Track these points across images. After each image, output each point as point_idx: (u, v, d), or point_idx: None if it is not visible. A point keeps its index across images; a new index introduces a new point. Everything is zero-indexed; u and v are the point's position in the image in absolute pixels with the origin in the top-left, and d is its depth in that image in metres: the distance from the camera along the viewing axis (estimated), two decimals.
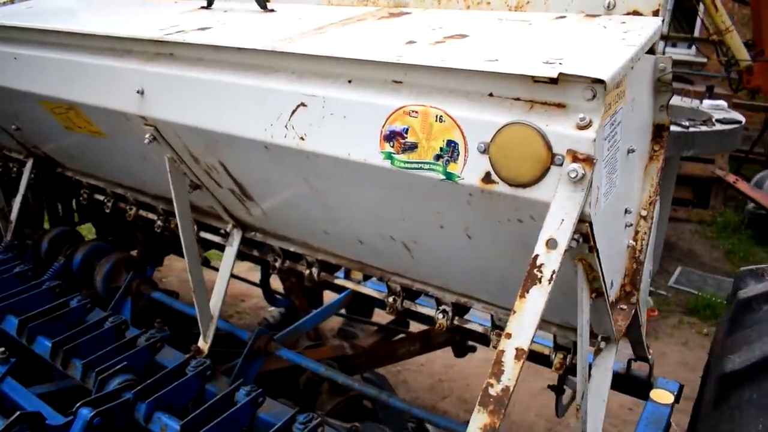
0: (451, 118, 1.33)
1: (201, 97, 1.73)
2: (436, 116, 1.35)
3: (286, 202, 1.91)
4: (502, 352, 1.22)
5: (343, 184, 1.63)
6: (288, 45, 1.55)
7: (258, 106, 1.61)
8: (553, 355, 1.82)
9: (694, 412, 2.09)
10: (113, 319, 2.31)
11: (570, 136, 1.21)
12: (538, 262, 1.23)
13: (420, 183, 1.42)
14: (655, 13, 1.56)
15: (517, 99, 1.29)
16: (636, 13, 1.58)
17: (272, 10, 1.97)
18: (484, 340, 2.83)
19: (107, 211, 2.80)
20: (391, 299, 2.03)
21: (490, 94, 1.32)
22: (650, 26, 1.47)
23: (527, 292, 1.23)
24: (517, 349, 1.22)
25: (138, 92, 1.86)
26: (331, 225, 1.88)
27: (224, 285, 2.26)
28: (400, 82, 1.42)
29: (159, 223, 2.61)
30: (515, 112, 1.27)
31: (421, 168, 1.39)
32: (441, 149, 1.36)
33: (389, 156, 1.42)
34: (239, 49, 1.60)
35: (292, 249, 2.18)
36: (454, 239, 1.58)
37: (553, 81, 1.22)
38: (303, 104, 1.53)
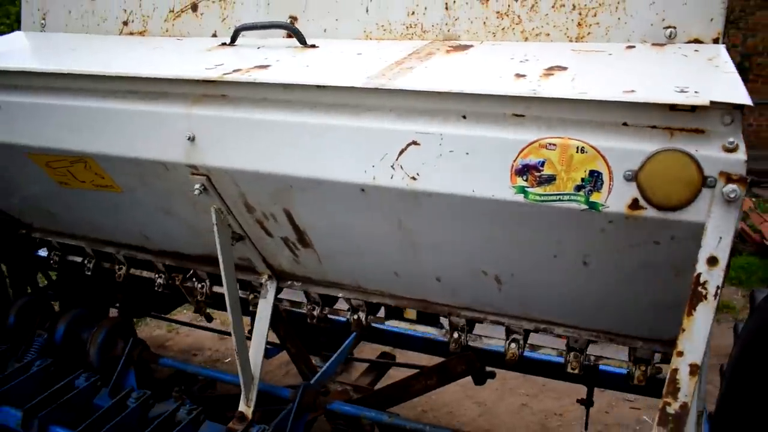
0: (594, 148, 1.35)
1: (275, 141, 1.62)
2: (577, 148, 1.36)
3: (355, 246, 1.83)
4: (676, 370, 1.25)
5: (447, 222, 1.59)
6: (389, 82, 1.50)
7: (355, 147, 1.54)
8: (634, 369, 1.88)
9: None
10: (136, 395, 2.06)
11: (720, 159, 1.28)
12: (701, 280, 1.27)
13: (551, 214, 1.43)
14: (715, 41, 1.69)
15: (654, 127, 1.34)
16: (697, 41, 1.70)
17: (314, 46, 1.90)
18: (504, 364, 2.88)
19: (87, 272, 2.52)
20: (455, 335, 2.00)
21: (624, 123, 1.36)
22: (722, 53, 1.59)
23: (694, 309, 1.27)
24: (690, 365, 1.25)
25: (188, 139, 1.70)
26: (407, 266, 1.83)
27: (263, 343, 2.11)
28: (522, 116, 1.42)
29: (160, 281, 2.38)
30: (658, 139, 1.32)
31: (559, 200, 1.40)
32: (583, 180, 1.37)
33: (522, 190, 1.42)
34: (336, 87, 1.52)
35: (340, 295, 2.08)
36: (565, 267, 1.59)
37: (692, 109, 1.29)
38: (415, 143, 1.48)
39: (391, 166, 1.51)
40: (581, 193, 1.38)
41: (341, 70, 1.66)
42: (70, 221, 2.37)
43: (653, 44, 1.72)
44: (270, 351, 3.20)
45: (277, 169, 1.64)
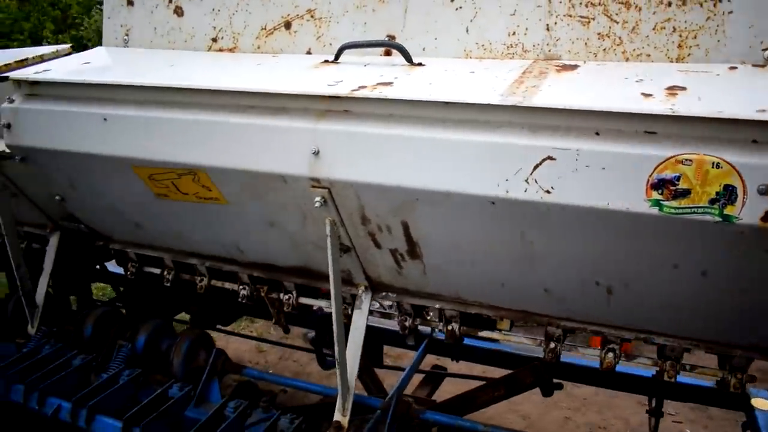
0: (729, 164, 1.44)
1: (403, 155, 1.70)
2: (713, 163, 1.45)
3: (467, 258, 1.90)
4: None
5: (571, 234, 1.67)
6: (525, 99, 1.58)
7: (488, 161, 1.62)
8: (729, 377, 1.96)
9: None
10: (234, 405, 2.10)
11: None
12: None
13: (680, 226, 1.51)
14: None
15: None
16: None
17: (421, 64, 1.98)
18: (576, 376, 2.95)
19: (167, 284, 2.56)
20: (552, 345, 2.07)
21: (754, 141, 1.45)
22: None
23: None
24: None
25: (313, 153, 1.77)
26: (516, 276, 1.90)
27: (358, 354, 2.16)
28: (655, 133, 1.51)
29: (244, 293, 2.43)
30: None
31: (693, 212, 1.49)
32: (717, 193, 1.46)
33: (657, 203, 1.50)
34: (472, 105, 1.61)
35: (437, 305, 2.15)
36: (683, 278, 1.68)
37: None
38: (551, 158, 1.56)
39: (526, 180, 1.59)
40: (715, 206, 1.46)
41: (466, 88, 1.74)
42: (157, 233, 2.41)
43: (753, 65, 1.83)
44: (328, 362, 3.26)
45: (404, 182, 1.71)
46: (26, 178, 2.54)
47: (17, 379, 2.28)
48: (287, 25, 2.29)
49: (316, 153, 1.77)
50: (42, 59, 2.54)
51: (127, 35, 2.55)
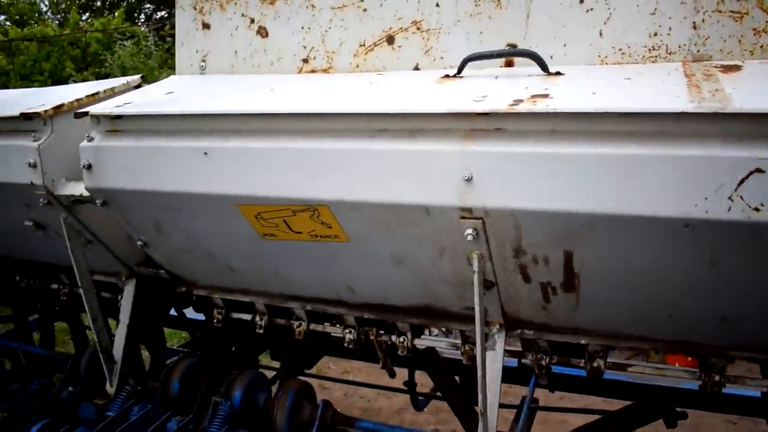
0: None
1: (574, 176, 1.49)
2: None
3: (634, 289, 1.69)
4: None
5: None
6: (724, 105, 1.38)
7: (682, 178, 1.42)
8: None
9: None
10: None
11: None
12: None
13: None
14: None
15: None
16: None
17: (559, 73, 1.78)
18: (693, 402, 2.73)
19: (259, 330, 2.34)
20: (716, 377, 1.87)
21: None
22: None
23: None
24: None
25: (465, 179, 1.56)
26: (690, 305, 1.69)
27: (497, 400, 1.94)
28: None
29: (351, 336, 2.21)
30: None
31: None
32: None
33: None
34: (659, 114, 1.41)
35: (582, 341, 1.93)
36: None
37: None
38: (759, 170, 1.36)
39: (729, 197, 1.39)
40: None
41: (635, 96, 1.55)
42: (254, 276, 2.20)
43: None
44: (422, 402, 3.04)
45: (576, 207, 1.51)
46: (102, 222, 2.34)
47: None
48: (390, 40, 2.10)
49: (469, 179, 1.56)
50: (114, 92, 2.35)
51: (204, 61, 2.36)
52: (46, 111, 2.12)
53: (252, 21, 2.28)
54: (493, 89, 1.71)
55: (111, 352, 2.43)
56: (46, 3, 17.85)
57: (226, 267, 2.20)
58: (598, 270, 1.68)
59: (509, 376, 2.88)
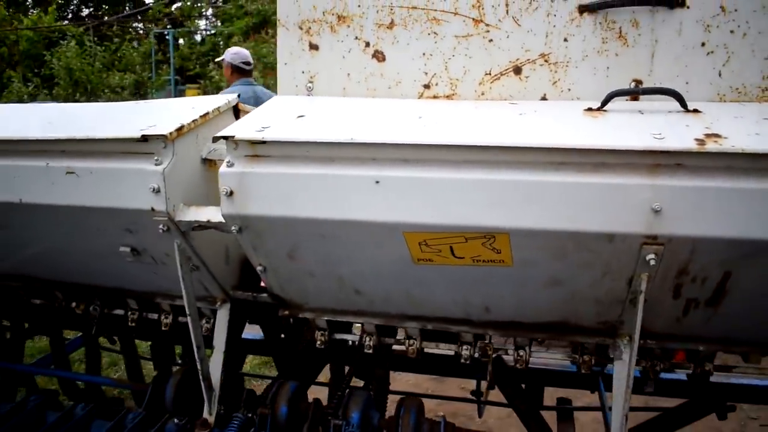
0: None
1: (750, 206, 1.71)
2: None
3: None
4: None
5: None
6: None
7: None
8: None
9: None
10: None
11: None
12: None
13: None
14: None
15: None
16: None
17: (697, 110, 2.00)
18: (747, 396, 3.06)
19: (368, 350, 2.39)
20: None
21: None
22: None
23: None
24: None
25: (654, 210, 1.74)
26: None
27: (625, 412, 2.13)
28: None
29: (467, 353, 2.33)
30: None
31: None
32: None
33: None
34: None
35: (701, 348, 2.17)
36: None
37: None
38: None
39: None
40: None
41: None
42: (378, 298, 2.24)
43: None
44: (481, 409, 3.18)
45: (754, 233, 1.72)
46: (207, 248, 2.28)
47: None
48: (517, 70, 2.23)
49: (658, 210, 1.73)
50: (219, 112, 2.30)
51: (311, 82, 2.37)
52: (171, 133, 2.05)
53: (367, 44, 2.32)
54: (657, 125, 1.88)
55: (210, 380, 2.37)
56: None
57: (352, 290, 2.23)
58: (747, 287, 1.91)
59: (573, 380, 3.10)
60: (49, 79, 10.77)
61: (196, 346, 2.29)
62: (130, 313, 2.65)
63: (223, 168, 1.99)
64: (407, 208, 1.88)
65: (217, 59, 8.76)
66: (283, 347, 2.96)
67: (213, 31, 11.53)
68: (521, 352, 2.31)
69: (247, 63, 6.11)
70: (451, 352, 2.38)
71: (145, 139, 2.06)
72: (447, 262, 2.01)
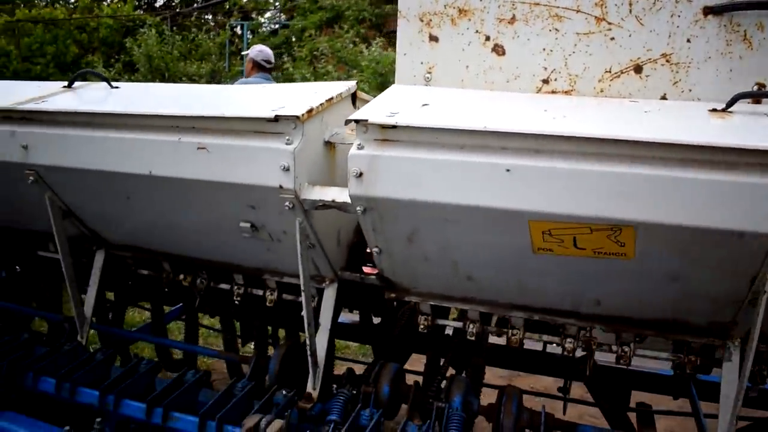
0: None
1: None
2: None
3: None
4: None
5: None
6: None
7: None
8: None
9: None
10: None
11: None
12: None
13: None
14: None
15: None
16: None
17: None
18: None
19: (470, 337, 2.45)
20: None
21: None
22: None
23: None
24: None
25: None
26: None
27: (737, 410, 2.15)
28: None
29: (570, 345, 2.37)
30: None
31: None
32: None
33: None
34: None
35: None
36: None
37: None
38: None
39: None
40: None
41: None
42: (489, 286, 2.30)
43: None
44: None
45: None
46: (322, 228, 2.37)
47: None
48: (637, 69, 2.27)
49: None
50: (341, 98, 2.39)
51: (429, 73, 2.44)
52: (303, 115, 2.14)
53: (487, 38, 2.38)
54: None
55: (316, 356, 2.46)
56: None
57: (464, 276, 2.29)
58: None
59: (662, 384, 3.12)
60: (128, 65, 11.17)
61: (307, 323, 2.38)
62: (236, 287, 2.76)
63: (353, 150, 2.07)
64: (537, 197, 1.94)
65: (243, 52, 9.20)
66: (379, 332, 3.05)
67: (287, 24, 11.78)
68: (625, 348, 2.34)
69: (268, 61, 6.56)
70: (542, 346, 2.42)
71: (276, 119, 2.16)
72: (567, 253, 2.06)
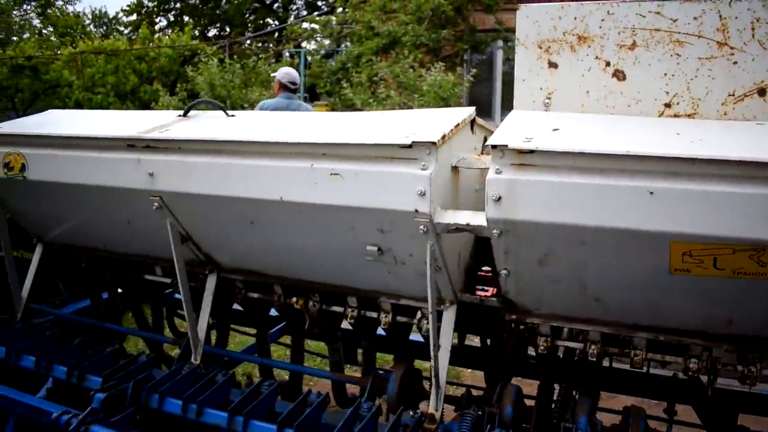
0: None
1: None
2: None
3: None
4: None
5: None
6: None
7: None
8: None
9: None
10: None
11: None
12: None
13: None
14: None
15: None
16: None
17: None
18: None
19: (592, 359, 2.48)
20: None
21: None
22: None
23: None
24: None
25: None
26: None
27: None
28: None
29: (695, 366, 2.39)
30: None
31: None
32: None
33: None
34: None
35: None
36: None
37: None
38: None
39: None
40: None
41: None
42: (615, 307, 2.34)
43: None
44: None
45: None
46: (449, 252, 2.43)
47: None
48: (761, 92, 2.31)
49: None
50: (465, 123, 2.46)
51: (548, 98, 2.51)
52: (438, 141, 2.21)
53: (607, 64, 2.45)
54: None
55: (439, 378, 2.50)
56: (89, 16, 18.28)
57: (592, 298, 2.33)
58: None
59: None
60: (190, 94, 11.52)
61: (432, 344, 2.43)
62: (349, 310, 2.82)
63: (491, 175, 2.14)
64: (681, 219, 1.98)
65: (271, 74, 9.63)
66: (491, 354, 3.09)
67: (342, 50, 12.11)
68: (752, 369, 2.36)
69: (293, 83, 7.29)
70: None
71: (410, 145, 2.23)
72: (705, 274, 2.09)
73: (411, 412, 2.48)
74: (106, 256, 3.43)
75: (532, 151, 2.11)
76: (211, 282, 3.05)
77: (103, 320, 3.58)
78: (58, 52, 15.16)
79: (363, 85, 10.36)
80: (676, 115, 2.39)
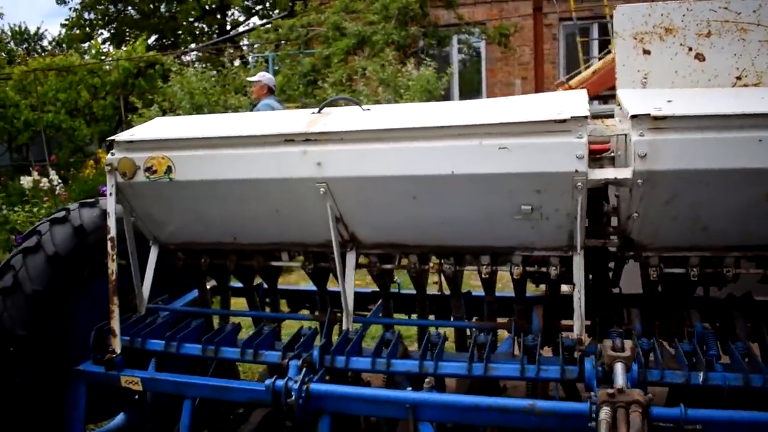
0: None
1: None
2: None
3: None
4: None
5: None
6: None
7: None
8: None
9: None
10: None
11: None
12: None
13: None
14: None
15: None
16: None
17: None
18: None
19: (693, 279, 3.20)
20: None
21: None
22: None
23: None
24: None
25: None
26: None
27: None
28: None
29: None
30: None
31: None
32: None
33: None
34: None
35: None
36: None
37: None
38: None
39: None
40: None
41: None
42: (717, 232, 3.06)
43: None
44: None
45: None
46: None
47: None
48: None
49: None
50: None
51: (645, 78, 3.20)
52: (587, 116, 2.84)
53: (690, 49, 3.17)
54: None
55: (581, 309, 3.13)
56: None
57: (700, 228, 3.04)
58: None
59: None
60: (162, 106, 11.51)
61: (576, 281, 3.06)
62: (484, 267, 3.39)
63: (635, 137, 2.79)
64: None
65: (249, 78, 9.98)
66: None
67: (312, 52, 12.46)
68: None
69: (274, 85, 9.74)
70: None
71: (565, 120, 2.85)
72: None
73: (568, 334, 3.09)
74: (230, 249, 3.80)
75: (665, 117, 2.78)
76: (350, 258, 3.52)
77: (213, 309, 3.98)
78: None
79: (343, 84, 10.88)
80: (745, 85, 3.15)
